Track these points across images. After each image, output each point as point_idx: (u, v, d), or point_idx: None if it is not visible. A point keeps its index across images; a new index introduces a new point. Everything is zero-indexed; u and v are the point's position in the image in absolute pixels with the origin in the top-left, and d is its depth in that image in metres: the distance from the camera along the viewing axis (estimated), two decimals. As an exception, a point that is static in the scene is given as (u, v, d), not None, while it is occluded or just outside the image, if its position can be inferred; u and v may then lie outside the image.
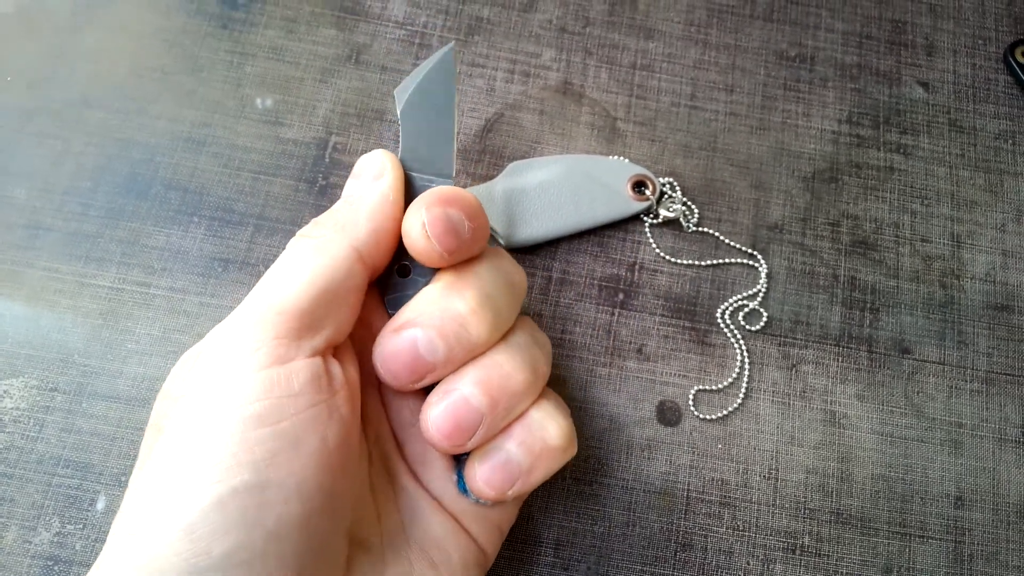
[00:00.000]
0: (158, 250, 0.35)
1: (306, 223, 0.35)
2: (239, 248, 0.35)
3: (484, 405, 0.24)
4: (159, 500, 0.20)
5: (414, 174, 0.28)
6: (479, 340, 0.25)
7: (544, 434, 0.25)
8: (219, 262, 0.35)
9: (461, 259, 0.26)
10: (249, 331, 0.22)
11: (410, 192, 0.27)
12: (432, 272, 0.27)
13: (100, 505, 0.31)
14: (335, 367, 0.24)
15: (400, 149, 0.28)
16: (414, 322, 0.24)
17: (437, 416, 0.24)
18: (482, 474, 0.25)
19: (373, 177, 0.26)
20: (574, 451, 0.26)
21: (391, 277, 0.27)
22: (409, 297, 0.26)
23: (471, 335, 0.24)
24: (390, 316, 0.27)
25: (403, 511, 0.26)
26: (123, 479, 0.32)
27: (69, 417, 0.32)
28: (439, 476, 0.27)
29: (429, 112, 0.28)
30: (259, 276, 0.34)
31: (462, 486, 0.26)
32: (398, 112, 0.29)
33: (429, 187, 0.27)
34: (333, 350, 0.24)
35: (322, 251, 0.24)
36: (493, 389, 0.24)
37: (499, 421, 0.25)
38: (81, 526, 0.31)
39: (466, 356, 0.25)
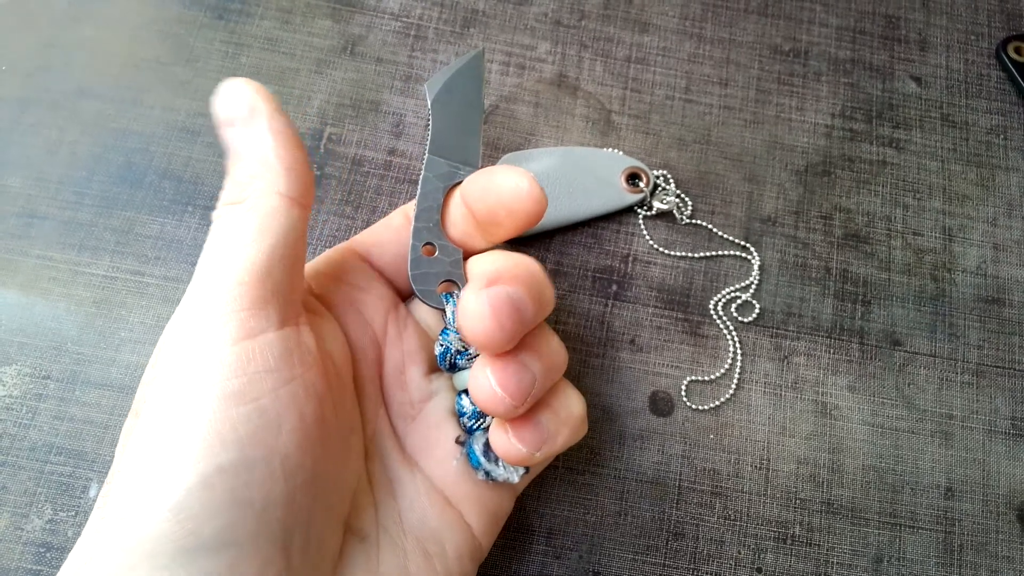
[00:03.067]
0: (152, 239, 0.35)
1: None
2: (233, 237, 0.35)
3: (539, 372, 0.24)
4: (143, 482, 0.20)
5: (441, 159, 0.28)
6: (537, 314, 0.24)
7: (570, 403, 0.26)
8: (213, 251, 0.35)
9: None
10: (215, 306, 0.22)
11: (437, 173, 0.28)
12: (459, 251, 0.28)
13: (92, 493, 0.31)
14: (307, 338, 0.23)
15: (430, 138, 0.29)
16: (501, 280, 0.24)
17: (504, 378, 0.24)
18: (516, 432, 0.25)
19: (248, 117, 0.24)
20: (586, 429, 0.27)
21: (415, 254, 0.27)
22: (437, 275, 0.27)
23: (535, 306, 0.24)
24: (416, 294, 0.27)
25: (400, 502, 0.26)
26: (116, 467, 0.32)
27: (62, 405, 0.32)
28: (439, 465, 0.27)
29: (458, 105, 0.30)
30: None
31: (474, 460, 0.27)
32: (428, 102, 0.29)
33: (457, 173, 0.28)
34: (308, 321, 0.24)
35: (256, 210, 0.23)
36: (545, 359, 0.25)
37: (543, 390, 0.25)
38: (73, 513, 0.31)
39: (527, 328, 0.24)
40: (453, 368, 0.27)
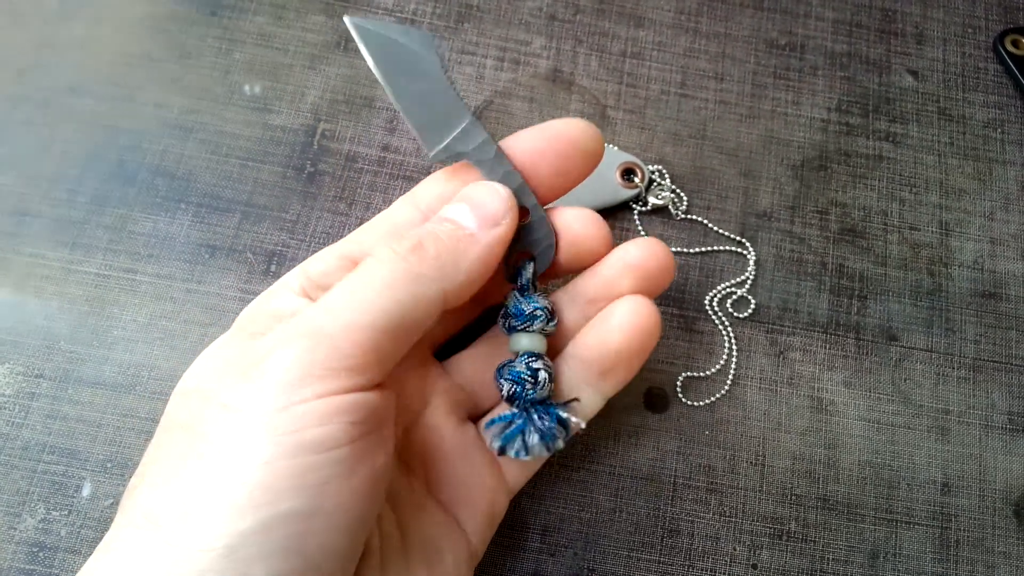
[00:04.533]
0: (145, 236, 0.35)
1: (293, 210, 0.36)
2: (226, 235, 0.35)
3: None
4: (201, 514, 0.19)
5: (483, 132, 0.27)
6: None
7: None
8: (206, 248, 0.35)
9: None
10: (320, 351, 0.21)
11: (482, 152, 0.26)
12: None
13: (85, 492, 0.31)
14: (390, 396, 0.23)
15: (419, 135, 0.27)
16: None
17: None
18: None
19: (490, 222, 0.24)
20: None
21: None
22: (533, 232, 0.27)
23: None
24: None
25: (400, 512, 0.26)
26: (108, 465, 0.32)
27: (55, 404, 0.32)
28: (434, 468, 0.27)
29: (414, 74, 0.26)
30: (245, 262, 0.35)
31: (519, 428, 0.26)
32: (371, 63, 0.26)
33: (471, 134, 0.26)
34: None
35: (413, 284, 0.22)
36: None
37: None
38: (66, 512, 0.31)
39: None
40: (511, 330, 0.27)
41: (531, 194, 0.26)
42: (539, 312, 0.27)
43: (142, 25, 0.39)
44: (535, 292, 0.27)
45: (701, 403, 0.34)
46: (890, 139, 0.39)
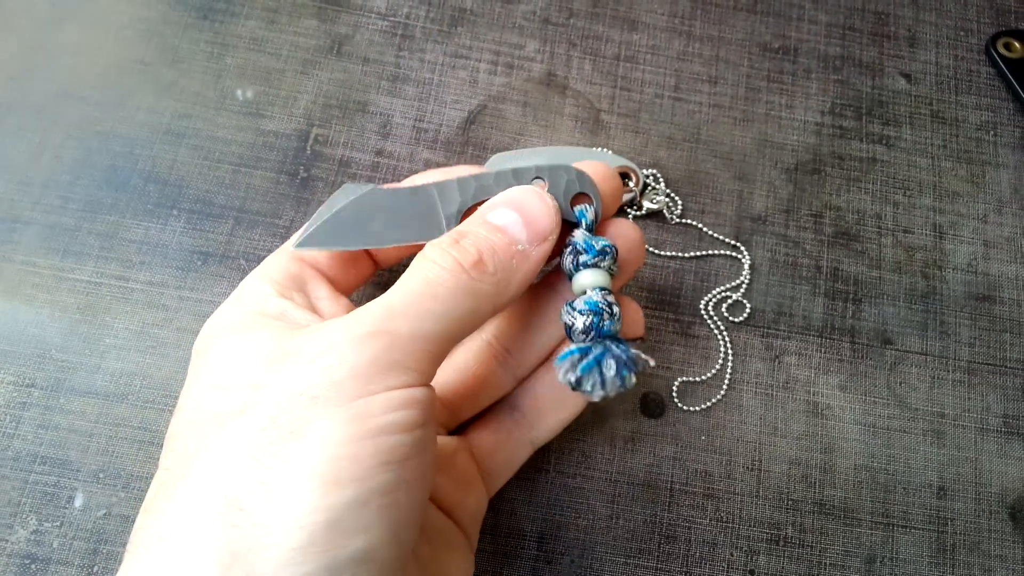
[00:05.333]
0: (137, 243, 0.35)
1: (287, 216, 0.35)
2: (219, 241, 0.35)
3: None
4: (293, 492, 0.20)
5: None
6: None
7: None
8: (198, 255, 0.35)
9: None
10: (396, 352, 0.22)
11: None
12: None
13: (78, 502, 0.31)
14: (434, 391, 0.24)
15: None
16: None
17: None
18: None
19: (540, 237, 0.25)
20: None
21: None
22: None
23: None
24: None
25: None
26: (101, 476, 0.31)
27: (46, 413, 0.32)
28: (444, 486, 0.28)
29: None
30: (238, 269, 0.34)
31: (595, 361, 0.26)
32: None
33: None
34: None
35: (474, 299, 0.24)
36: None
37: None
38: (59, 523, 0.30)
39: None
40: (577, 268, 0.27)
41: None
42: (608, 249, 0.27)
43: (133, 30, 0.38)
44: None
45: (697, 408, 0.34)
46: (883, 142, 0.39)
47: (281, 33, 0.39)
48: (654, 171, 0.37)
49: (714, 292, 0.36)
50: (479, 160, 0.37)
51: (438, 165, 0.37)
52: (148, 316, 0.34)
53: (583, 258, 0.27)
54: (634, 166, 0.37)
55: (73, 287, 0.34)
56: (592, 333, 0.26)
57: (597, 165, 0.28)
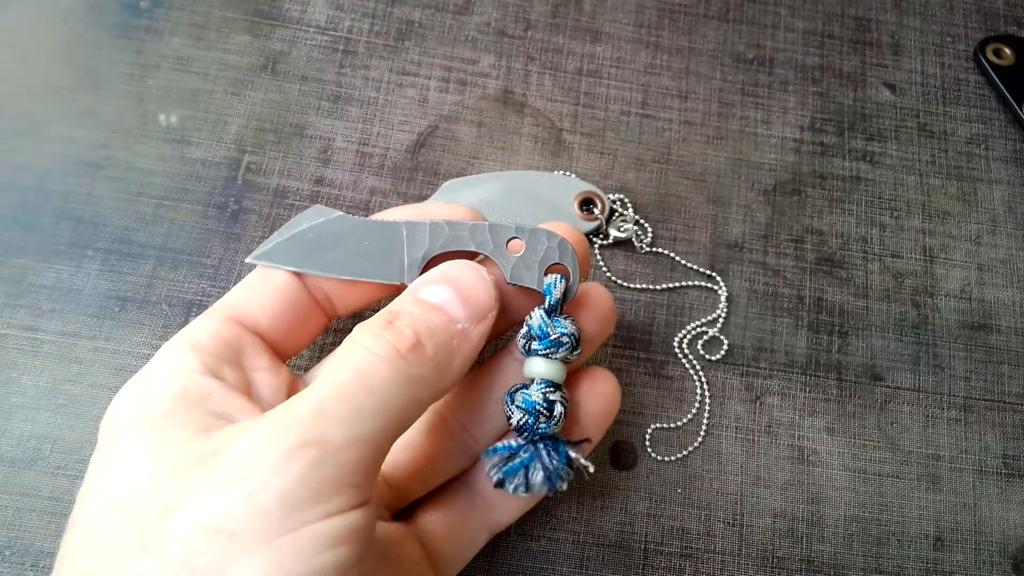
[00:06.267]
0: (47, 289, 0.31)
1: (215, 254, 0.32)
2: (138, 284, 0.31)
3: None
4: None
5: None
6: None
7: None
8: (116, 301, 0.31)
9: None
10: (328, 468, 0.19)
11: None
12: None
13: (-24, 587, 0.27)
14: (375, 508, 0.21)
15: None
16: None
17: None
18: None
19: (479, 316, 0.23)
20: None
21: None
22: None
23: None
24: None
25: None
26: (7, 553, 0.28)
27: (-59, 485, 0.28)
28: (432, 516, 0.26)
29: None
30: (161, 315, 0.31)
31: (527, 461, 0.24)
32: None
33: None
34: None
35: (414, 388, 0.21)
36: None
37: None
38: (-47, 613, 0.27)
39: None
40: (528, 353, 0.25)
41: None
42: (565, 339, 0.24)
43: (45, 50, 0.35)
44: (561, 315, 0.25)
45: (672, 457, 0.31)
46: (868, 159, 0.36)
47: (209, 51, 0.35)
48: (621, 196, 0.34)
49: (689, 328, 0.33)
50: (430, 187, 0.34)
51: (384, 193, 0.34)
52: (60, 371, 0.30)
53: (535, 345, 0.24)
54: (599, 191, 0.34)
55: (-27, 341, 0.30)
56: (526, 433, 0.24)
57: (575, 233, 0.26)
